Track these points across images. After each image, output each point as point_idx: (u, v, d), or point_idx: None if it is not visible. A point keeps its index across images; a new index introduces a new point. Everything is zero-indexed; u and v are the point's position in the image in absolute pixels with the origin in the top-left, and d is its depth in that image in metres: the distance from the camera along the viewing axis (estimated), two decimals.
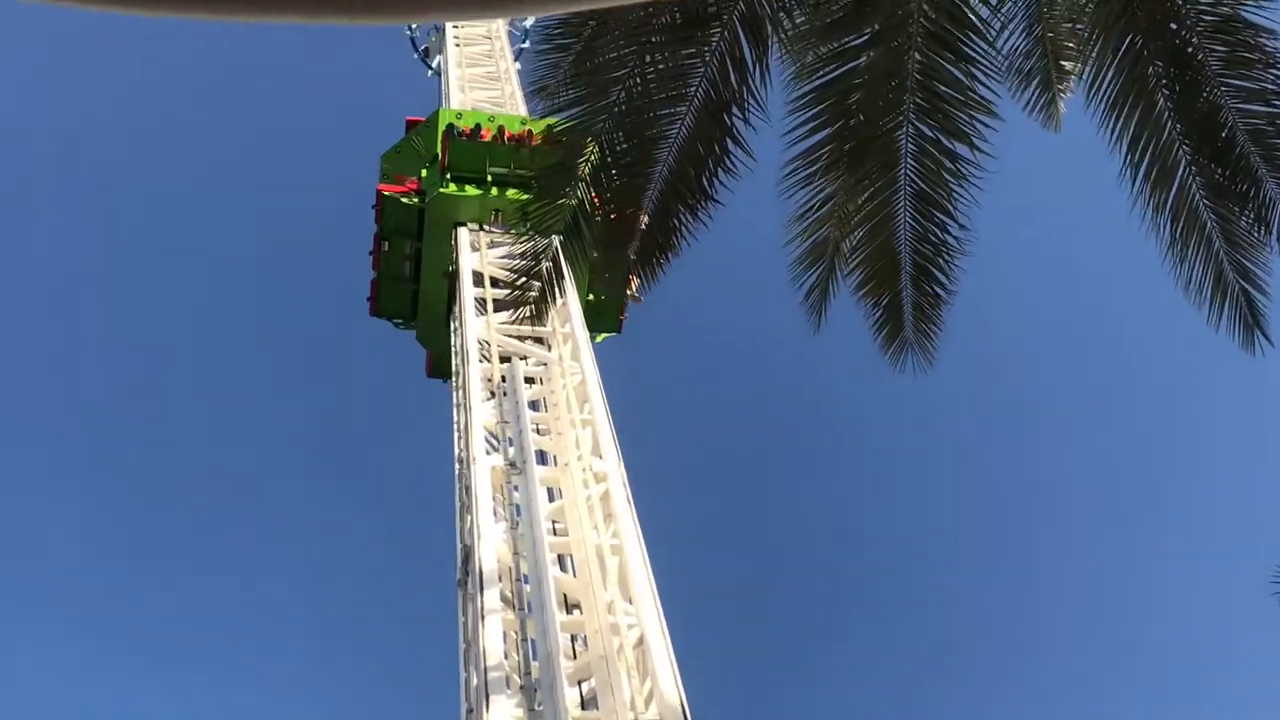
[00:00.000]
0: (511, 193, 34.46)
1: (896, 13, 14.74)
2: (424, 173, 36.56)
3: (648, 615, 18.91)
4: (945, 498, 78.21)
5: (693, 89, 15.23)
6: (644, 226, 16.48)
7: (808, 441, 79.30)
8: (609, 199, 16.36)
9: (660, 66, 15.26)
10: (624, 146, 15.83)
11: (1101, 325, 76.08)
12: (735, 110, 15.27)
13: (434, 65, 51.98)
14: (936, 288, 16.87)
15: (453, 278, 34.00)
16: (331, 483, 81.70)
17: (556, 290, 17.40)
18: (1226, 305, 15.71)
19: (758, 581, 76.25)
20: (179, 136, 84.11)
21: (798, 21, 15.12)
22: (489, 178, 35.36)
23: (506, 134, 36.11)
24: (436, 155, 36.18)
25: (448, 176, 35.43)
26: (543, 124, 32.72)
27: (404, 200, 36.09)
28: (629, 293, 16.71)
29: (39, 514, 71.26)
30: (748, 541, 79.56)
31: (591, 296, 33.31)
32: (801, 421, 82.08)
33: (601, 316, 34.70)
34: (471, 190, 35.09)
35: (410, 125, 38.47)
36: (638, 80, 15.20)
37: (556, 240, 16.35)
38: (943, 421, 77.29)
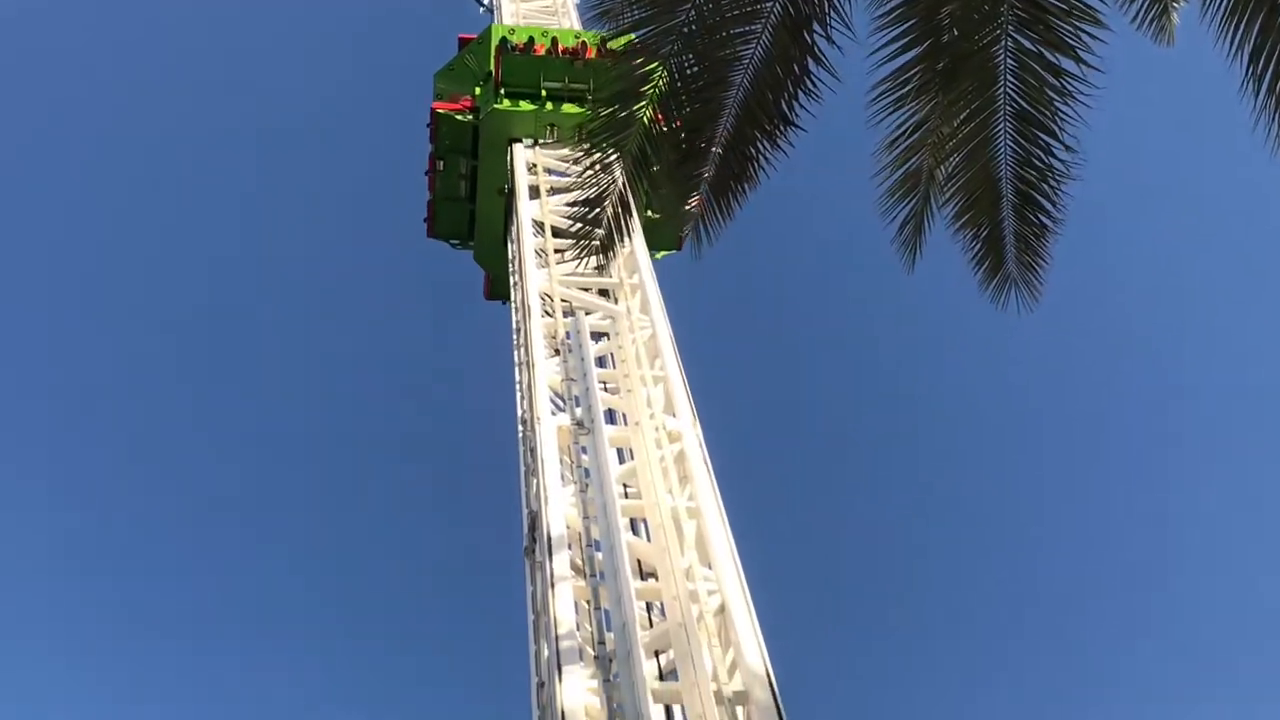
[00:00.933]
0: (567, 107, 34.66)
1: None
2: (478, 90, 36.60)
3: (729, 580, 17.94)
4: (1068, 456, 73.18)
5: (769, 4, 14.16)
6: (718, 155, 15.74)
7: (898, 380, 74.70)
8: (677, 127, 15.57)
9: None
10: (694, 70, 14.83)
11: (1234, 254, 69.46)
12: (816, 27, 14.26)
13: (486, 2, 51.25)
14: (1041, 216, 15.82)
15: (509, 196, 33.88)
16: (390, 433, 79.50)
17: (625, 229, 16.62)
18: None
19: (846, 539, 73.08)
20: (230, 67, 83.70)
21: None
22: (544, 92, 35.24)
23: (560, 47, 35.91)
24: (490, 72, 36.09)
25: (502, 92, 35.35)
26: (597, 36, 32.28)
27: (458, 117, 36.34)
28: (689, 207, 15.99)
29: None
30: (835, 495, 74.79)
31: (651, 213, 32.43)
32: (892, 354, 77.33)
33: (660, 233, 33.72)
34: (526, 105, 35.07)
35: (463, 43, 38.57)
36: None
37: (620, 178, 15.59)
38: (1057, 362, 71.37)
